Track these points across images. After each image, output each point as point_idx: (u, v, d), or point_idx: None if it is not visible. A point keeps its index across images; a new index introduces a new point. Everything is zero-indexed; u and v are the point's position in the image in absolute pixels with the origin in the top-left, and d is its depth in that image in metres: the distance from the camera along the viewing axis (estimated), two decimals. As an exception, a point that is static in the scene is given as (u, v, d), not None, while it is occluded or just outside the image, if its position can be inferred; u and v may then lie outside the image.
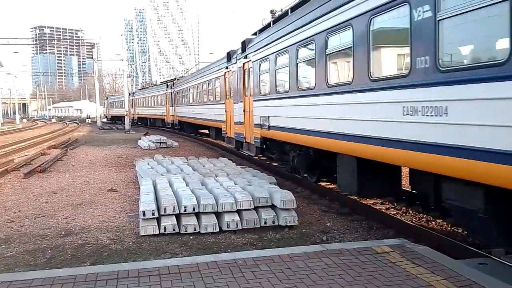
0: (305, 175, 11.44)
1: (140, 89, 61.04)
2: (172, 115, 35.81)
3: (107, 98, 79.40)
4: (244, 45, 14.67)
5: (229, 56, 17.61)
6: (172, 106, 35.76)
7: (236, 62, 16.00)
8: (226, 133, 18.37)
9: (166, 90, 38.11)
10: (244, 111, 14.78)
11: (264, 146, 13.03)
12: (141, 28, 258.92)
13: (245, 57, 14.41)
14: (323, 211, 8.78)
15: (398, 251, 5.44)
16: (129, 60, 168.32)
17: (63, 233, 7.41)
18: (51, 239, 7.07)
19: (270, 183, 9.07)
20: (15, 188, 11.72)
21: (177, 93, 33.38)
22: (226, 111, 18.12)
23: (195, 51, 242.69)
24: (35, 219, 8.41)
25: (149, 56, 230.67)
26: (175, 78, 40.91)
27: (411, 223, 7.45)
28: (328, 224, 7.86)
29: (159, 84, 48.41)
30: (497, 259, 5.42)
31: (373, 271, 4.82)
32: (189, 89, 28.08)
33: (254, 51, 13.28)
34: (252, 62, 13.37)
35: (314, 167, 10.68)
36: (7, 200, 10.16)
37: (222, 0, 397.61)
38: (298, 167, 11.11)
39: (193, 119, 27.30)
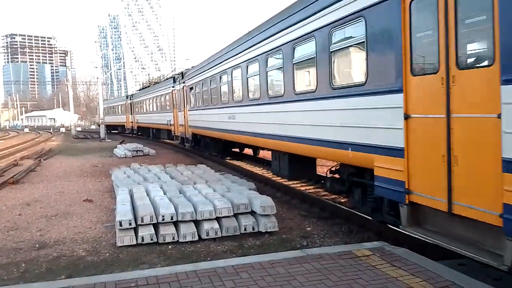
0: None
1: (139, 89, 46.80)
2: (182, 125, 22.34)
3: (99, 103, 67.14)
4: None
5: None
6: (181, 110, 22.39)
7: None
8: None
9: (173, 86, 24.40)
10: None
11: None
12: (115, 34, 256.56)
13: None
14: (303, 216, 8.79)
15: (378, 254, 5.47)
16: (104, 67, 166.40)
17: (37, 245, 7.21)
18: (25, 252, 6.86)
19: (249, 189, 9.04)
20: (-14, 201, 11.36)
21: (190, 89, 20.35)
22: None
23: (171, 57, 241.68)
24: (8, 232, 8.16)
25: (124, 63, 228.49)
26: (187, 69, 23.69)
27: (390, 226, 7.50)
28: (308, 228, 7.86)
29: (164, 80, 32.94)
30: (476, 259, 5.48)
31: (353, 275, 4.82)
32: (218, 78, 15.31)
33: None
34: None
35: None
36: (-22, 213, 9.84)
37: (197, 7, 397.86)
38: None
39: (223, 133, 15.22)
